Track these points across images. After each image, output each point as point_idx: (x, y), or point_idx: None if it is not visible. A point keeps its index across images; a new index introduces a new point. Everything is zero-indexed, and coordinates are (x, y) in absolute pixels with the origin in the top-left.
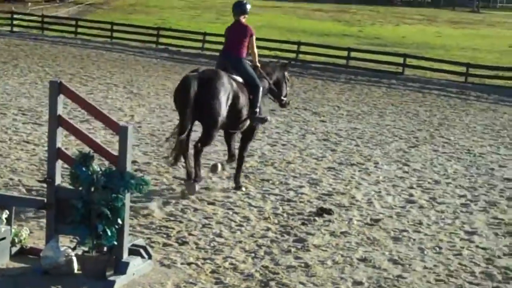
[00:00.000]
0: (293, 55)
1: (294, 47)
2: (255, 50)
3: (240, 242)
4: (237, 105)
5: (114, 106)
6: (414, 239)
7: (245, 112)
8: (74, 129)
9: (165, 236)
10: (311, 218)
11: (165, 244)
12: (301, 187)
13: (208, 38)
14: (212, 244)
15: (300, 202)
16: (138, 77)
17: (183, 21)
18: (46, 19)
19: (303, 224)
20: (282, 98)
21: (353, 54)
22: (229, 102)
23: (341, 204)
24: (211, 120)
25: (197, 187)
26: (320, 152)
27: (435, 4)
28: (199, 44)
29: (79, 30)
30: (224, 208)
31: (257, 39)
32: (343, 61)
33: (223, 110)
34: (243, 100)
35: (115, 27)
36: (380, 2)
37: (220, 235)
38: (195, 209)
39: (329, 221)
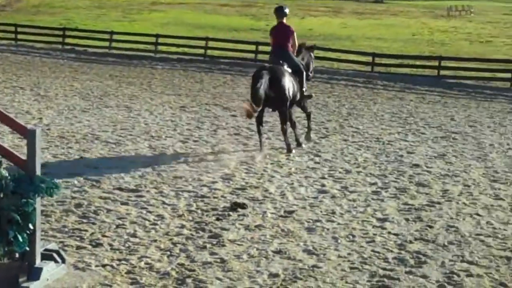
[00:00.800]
0: (201, 51)
1: (202, 43)
2: (296, 43)
3: (155, 241)
4: (293, 90)
5: (21, 109)
6: (327, 229)
7: (298, 93)
8: None
9: (78, 239)
10: (226, 213)
11: (78, 247)
12: (214, 182)
13: (115, 37)
14: (126, 245)
15: (214, 197)
16: (45, 79)
17: (88, 21)
18: None
19: (217, 219)
20: (309, 73)
21: (261, 48)
22: (291, 91)
23: (255, 197)
24: (283, 108)
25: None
26: (232, 147)
27: None
28: (106, 44)
29: None
30: (137, 207)
31: (164, 36)
32: (252, 55)
33: (288, 99)
34: (296, 86)
35: (19, 29)
36: None
37: (134, 235)
38: (108, 210)
39: (243, 215)
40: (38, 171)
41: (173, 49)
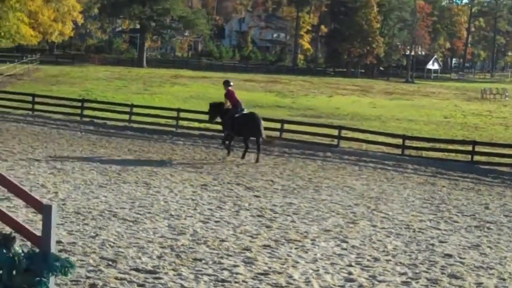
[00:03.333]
0: None
1: None
2: None
3: None
4: None
5: (37, 183)
6: None
7: None
8: None
9: None
10: None
11: None
12: (235, 266)
13: (135, 110)
14: None
15: (235, 282)
16: (62, 152)
17: (108, 92)
18: None
19: None
20: None
21: (286, 126)
22: None
23: (278, 284)
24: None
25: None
26: (255, 229)
27: (368, 74)
28: (126, 116)
29: None
30: None
31: (185, 110)
32: (277, 133)
33: None
34: None
35: (36, 99)
36: (312, 73)
37: None
38: None
39: None
40: (53, 249)
41: (195, 124)
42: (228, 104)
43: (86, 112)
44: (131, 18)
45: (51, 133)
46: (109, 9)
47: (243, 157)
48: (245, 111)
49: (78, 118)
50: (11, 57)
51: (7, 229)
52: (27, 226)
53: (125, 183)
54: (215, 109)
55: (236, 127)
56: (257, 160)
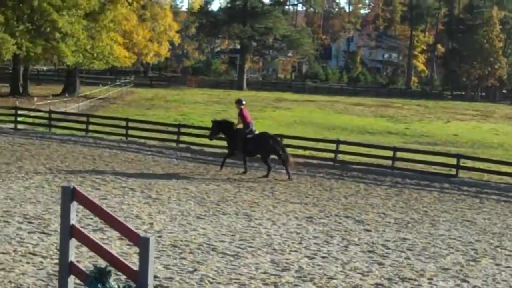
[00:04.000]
0: (331, 155)
1: (332, 146)
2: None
3: None
4: None
5: (131, 213)
6: None
7: None
8: (89, 240)
9: None
10: None
11: None
12: None
13: None
14: None
15: None
16: (157, 180)
17: (206, 117)
18: (53, 115)
19: None
20: None
21: (399, 154)
22: None
23: None
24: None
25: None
26: (365, 266)
27: (489, 97)
28: (225, 143)
29: (91, 127)
30: None
31: (290, 137)
32: (389, 162)
33: None
34: None
35: (130, 124)
36: (427, 96)
37: None
38: None
39: None
40: (150, 284)
41: (300, 151)
42: (240, 124)
43: (182, 138)
44: (230, 37)
45: (146, 160)
46: (208, 28)
47: (267, 176)
48: (256, 132)
49: (174, 144)
50: (104, 79)
51: (102, 263)
52: (122, 259)
53: (224, 215)
54: (218, 126)
55: (251, 148)
56: (289, 177)
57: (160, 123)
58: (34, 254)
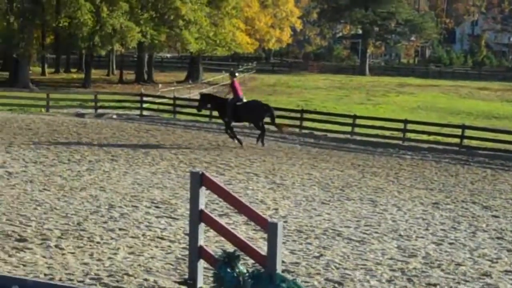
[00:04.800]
0: (456, 141)
1: (458, 131)
2: None
3: None
4: None
5: (256, 198)
6: None
7: None
8: (217, 225)
9: None
10: None
11: None
12: None
13: (358, 121)
14: None
15: None
16: (281, 166)
17: (328, 103)
18: (178, 102)
19: None
20: None
21: None
22: None
23: None
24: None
25: None
26: (494, 253)
27: None
28: (348, 128)
29: (214, 113)
30: None
31: (413, 122)
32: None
33: None
34: None
35: None
36: None
37: None
38: None
39: None
40: (279, 269)
41: (424, 137)
42: (230, 94)
43: (305, 123)
44: (352, 23)
45: (269, 145)
46: (329, 14)
47: (262, 142)
48: (245, 100)
49: (297, 130)
50: (226, 66)
51: (230, 247)
52: (251, 244)
53: (349, 200)
54: (205, 99)
55: (240, 114)
56: (263, 143)
57: (282, 109)
58: (162, 238)
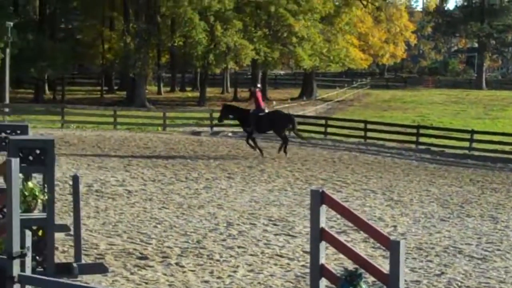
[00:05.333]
0: None
1: None
2: None
3: None
4: None
5: (373, 215)
6: None
7: None
8: (338, 243)
9: None
10: None
11: None
12: None
13: (476, 136)
14: None
15: None
16: (398, 182)
17: (445, 118)
18: None
19: None
20: None
21: None
22: None
23: None
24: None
25: None
26: None
27: None
28: (465, 144)
29: (329, 130)
30: None
31: None
32: None
33: None
34: None
35: (369, 126)
36: None
37: None
38: None
39: None
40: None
41: None
42: (253, 105)
43: (421, 139)
44: (468, 36)
45: (385, 162)
46: (444, 28)
47: (284, 151)
48: (267, 111)
49: (413, 146)
50: (340, 82)
51: (347, 264)
52: (373, 262)
53: (469, 217)
54: (227, 110)
55: (263, 124)
56: (285, 152)
57: (398, 125)
58: (281, 256)
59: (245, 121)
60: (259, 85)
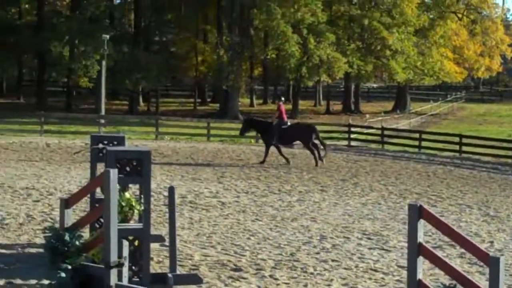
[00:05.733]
0: None
1: None
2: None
3: None
4: None
5: (469, 230)
6: None
7: None
8: (436, 258)
9: None
10: None
11: None
12: None
13: None
14: None
15: None
16: (494, 197)
17: None
18: (386, 132)
19: None
20: None
21: None
22: None
23: None
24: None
25: None
26: None
27: None
28: None
29: (423, 143)
30: None
31: None
32: None
33: None
34: None
35: (464, 140)
36: None
37: None
38: None
39: None
40: None
41: None
42: (276, 117)
43: None
44: None
45: (481, 176)
46: None
47: (320, 159)
48: (289, 123)
49: (509, 160)
50: (434, 95)
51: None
52: (471, 278)
53: None
54: (248, 123)
55: (287, 137)
56: (316, 164)
57: (494, 139)
58: (375, 271)
59: (268, 133)
60: (283, 99)
